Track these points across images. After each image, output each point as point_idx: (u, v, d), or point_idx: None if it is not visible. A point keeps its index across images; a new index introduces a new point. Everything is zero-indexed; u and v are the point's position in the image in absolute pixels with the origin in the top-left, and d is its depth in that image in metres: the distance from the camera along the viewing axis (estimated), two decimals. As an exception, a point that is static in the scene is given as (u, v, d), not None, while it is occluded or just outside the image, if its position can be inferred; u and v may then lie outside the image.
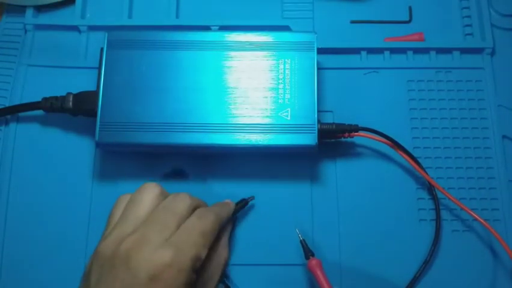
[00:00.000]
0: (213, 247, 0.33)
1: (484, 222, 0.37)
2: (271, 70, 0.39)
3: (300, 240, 0.37)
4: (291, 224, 0.39)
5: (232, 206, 0.37)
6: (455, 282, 0.39)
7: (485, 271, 0.39)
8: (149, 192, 0.32)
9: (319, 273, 0.36)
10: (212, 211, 0.32)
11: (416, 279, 0.38)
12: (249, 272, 0.39)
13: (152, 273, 0.27)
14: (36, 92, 0.41)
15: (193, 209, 0.32)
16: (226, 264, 0.34)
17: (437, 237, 0.39)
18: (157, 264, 0.27)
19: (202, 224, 0.31)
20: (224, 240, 0.35)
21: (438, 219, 0.39)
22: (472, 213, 0.37)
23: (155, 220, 0.30)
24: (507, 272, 0.39)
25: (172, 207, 0.31)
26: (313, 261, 0.36)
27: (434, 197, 0.40)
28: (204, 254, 0.30)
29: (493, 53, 0.44)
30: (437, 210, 0.39)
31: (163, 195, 0.32)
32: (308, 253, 0.37)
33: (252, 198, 0.39)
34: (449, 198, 0.38)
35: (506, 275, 0.39)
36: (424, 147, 0.42)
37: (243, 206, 0.39)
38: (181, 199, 0.32)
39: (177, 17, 0.45)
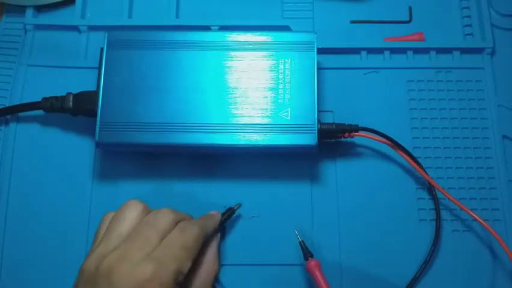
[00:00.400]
0: (199, 259, 0.33)
1: (484, 223, 0.37)
2: (271, 70, 0.39)
3: (299, 242, 0.37)
4: (291, 224, 0.39)
5: (218, 217, 0.36)
6: (455, 282, 0.39)
7: (484, 271, 0.39)
8: (132, 209, 0.32)
9: (318, 274, 0.36)
10: (195, 224, 0.32)
11: (416, 279, 0.38)
12: (249, 272, 0.39)
13: None
14: (36, 92, 0.41)
15: (176, 223, 0.32)
16: (216, 276, 0.34)
17: (437, 237, 0.39)
18: (138, 279, 0.28)
19: (184, 237, 0.31)
20: (212, 251, 0.34)
21: (438, 219, 0.39)
22: (471, 213, 0.37)
23: (137, 236, 0.30)
24: (507, 272, 0.39)
25: (154, 223, 0.31)
26: (312, 262, 0.36)
27: (434, 197, 0.40)
28: (186, 267, 0.30)
29: (493, 53, 0.44)
30: (437, 211, 0.39)
31: (146, 211, 0.32)
32: (307, 254, 0.37)
33: (239, 205, 0.39)
34: (449, 199, 0.38)
35: (506, 275, 0.39)
36: (424, 147, 0.42)
37: (230, 215, 0.38)
38: (163, 214, 0.32)
39: (177, 17, 0.45)
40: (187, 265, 0.30)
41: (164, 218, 0.31)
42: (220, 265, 0.37)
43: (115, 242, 0.30)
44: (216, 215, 0.37)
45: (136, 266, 0.28)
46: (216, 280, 0.36)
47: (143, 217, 0.32)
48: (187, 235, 0.31)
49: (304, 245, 0.37)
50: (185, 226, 0.32)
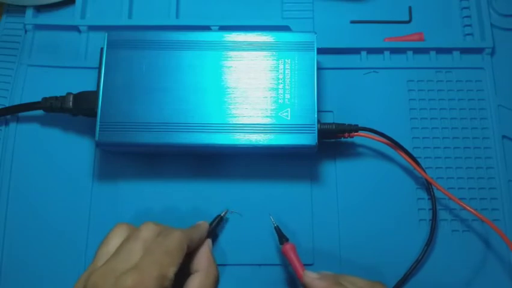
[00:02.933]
0: (193, 266, 0.33)
1: (487, 220, 0.37)
2: (271, 70, 0.39)
3: (274, 227, 0.38)
4: (291, 224, 0.39)
5: (205, 225, 0.37)
6: (455, 282, 0.39)
7: (485, 271, 0.39)
8: (118, 229, 0.33)
9: (292, 255, 0.36)
10: (177, 230, 0.32)
11: (406, 277, 0.38)
12: (249, 272, 0.39)
13: None
14: (36, 92, 0.41)
15: (159, 234, 0.32)
16: (218, 281, 0.34)
17: (431, 236, 0.39)
18: None
19: (165, 242, 0.31)
20: (206, 257, 0.34)
21: (434, 219, 0.39)
22: (473, 211, 0.37)
23: (121, 251, 0.31)
24: (507, 272, 0.39)
25: (137, 235, 0.31)
26: (287, 246, 0.37)
27: (432, 196, 0.40)
28: (170, 271, 0.30)
29: (493, 53, 0.44)
30: (434, 210, 0.39)
31: (132, 230, 0.33)
32: (282, 238, 0.37)
33: (226, 211, 0.39)
34: (450, 198, 0.38)
35: (506, 275, 0.39)
36: (424, 147, 0.42)
37: (218, 222, 0.39)
38: (146, 227, 0.32)
39: (177, 17, 0.45)
40: (172, 270, 0.30)
41: (147, 230, 0.32)
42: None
43: (101, 261, 0.31)
44: (203, 224, 0.37)
45: (119, 278, 0.29)
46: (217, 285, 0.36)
47: (129, 234, 0.33)
48: (168, 241, 0.31)
49: (280, 229, 0.38)
50: (167, 233, 0.32)
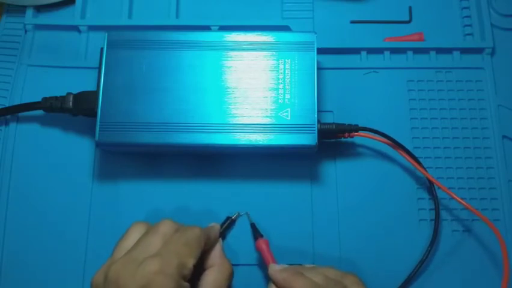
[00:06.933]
0: (208, 262, 0.34)
1: (487, 220, 0.37)
2: (271, 70, 0.39)
3: (250, 224, 0.39)
4: (291, 224, 0.39)
5: (217, 227, 0.37)
6: (456, 282, 0.39)
7: (485, 271, 0.39)
8: (136, 226, 0.34)
9: (264, 249, 0.37)
10: (196, 227, 0.33)
11: (410, 278, 0.38)
12: (249, 272, 0.39)
13: (142, 284, 0.29)
14: (36, 92, 0.41)
15: (177, 230, 0.33)
16: (232, 277, 0.35)
17: (435, 236, 0.39)
18: (144, 274, 0.29)
19: (185, 235, 0.32)
20: (219, 254, 0.35)
21: (437, 219, 0.39)
22: (475, 211, 0.37)
23: (141, 243, 0.32)
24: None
25: (156, 230, 0.33)
26: (260, 240, 0.38)
27: (434, 197, 0.40)
28: (190, 262, 0.31)
29: (493, 53, 0.44)
30: (436, 210, 0.39)
31: (149, 226, 0.34)
32: (257, 234, 0.38)
33: (238, 214, 0.40)
34: (452, 197, 0.38)
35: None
36: (424, 147, 0.42)
37: (229, 225, 0.39)
38: (164, 223, 0.33)
39: (177, 17, 0.45)
40: (191, 261, 0.31)
41: (166, 225, 0.33)
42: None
43: (121, 254, 0.32)
44: (215, 225, 0.37)
45: (141, 265, 0.29)
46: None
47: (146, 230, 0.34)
48: (188, 234, 0.32)
49: (255, 226, 0.39)
50: (186, 228, 0.33)
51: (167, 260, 0.30)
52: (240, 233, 0.40)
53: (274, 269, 0.35)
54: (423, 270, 0.39)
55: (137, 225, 0.34)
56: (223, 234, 0.39)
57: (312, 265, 0.37)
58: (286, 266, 0.35)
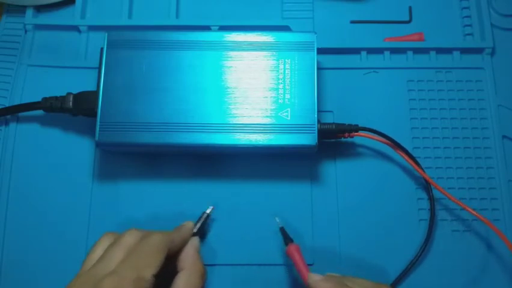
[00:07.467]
0: (178, 265, 0.34)
1: (486, 220, 0.37)
2: (271, 70, 0.39)
3: (280, 228, 0.38)
4: (291, 224, 0.39)
5: (190, 225, 0.37)
6: (455, 282, 0.39)
7: (485, 271, 0.39)
8: (104, 237, 0.34)
9: (297, 256, 0.36)
10: (157, 233, 0.33)
11: (402, 276, 0.38)
12: (249, 272, 0.39)
13: None
14: (36, 92, 0.41)
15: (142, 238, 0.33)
16: (205, 278, 0.34)
17: (429, 236, 0.39)
18: None
19: (144, 246, 0.32)
20: (190, 256, 0.34)
21: (432, 219, 0.39)
22: (472, 211, 0.37)
23: (104, 257, 0.32)
24: (507, 272, 0.39)
25: (119, 242, 0.32)
26: (291, 247, 0.36)
27: (430, 196, 0.40)
28: (148, 274, 0.31)
29: (493, 53, 0.44)
30: (432, 209, 0.39)
31: (116, 237, 0.34)
32: (287, 239, 0.37)
33: (212, 208, 0.39)
34: (449, 198, 0.38)
35: (506, 274, 0.39)
36: (424, 147, 0.42)
37: (205, 220, 0.38)
38: (128, 233, 0.33)
39: (177, 17, 0.45)
40: (149, 271, 0.31)
41: (129, 236, 0.33)
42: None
43: (88, 267, 0.32)
44: (187, 224, 0.37)
45: (98, 283, 0.30)
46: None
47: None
48: (146, 244, 0.32)
49: (285, 231, 0.37)
50: (146, 236, 0.33)
51: (123, 276, 0.30)
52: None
53: (316, 279, 0.34)
54: (422, 270, 0.39)
55: (105, 236, 0.34)
56: (201, 231, 0.38)
57: (342, 275, 0.36)
58: (326, 275, 0.35)
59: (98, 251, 0.33)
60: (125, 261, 0.31)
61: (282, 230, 0.38)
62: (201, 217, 0.38)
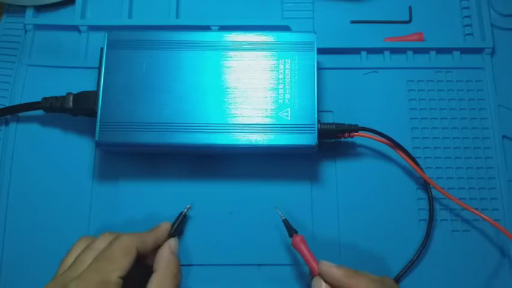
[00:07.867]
0: (153, 266, 0.34)
1: (486, 217, 0.37)
2: (271, 70, 0.39)
3: (283, 220, 0.37)
4: (291, 224, 0.39)
5: (165, 226, 0.37)
6: (455, 282, 0.39)
7: (485, 271, 0.39)
8: (79, 242, 0.34)
9: (303, 247, 0.36)
10: (126, 235, 0.33)
11: (401, 275, 0.38)
12: (249, 272, 0.39)
13: None
14: (36, 92, 0.41)
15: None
16: (180, 280, 0.34)
17: (427, 236, 0.39)
18: None
19: (111, 249, 0.32)
20: (164, 257, 0.34)
21: (431, 218, 0.39)
22: (472, 209, 0.37)
23: (75, 262, 0.32)
24: (507, 272, 0.39)
25: (91, 246, 0.33)
26: (297, 238, 0.36)
27: (429, 196, 0.40)
28: (114, 277, 0.31)
29: (493, 53, 0.44)
30: (431, 209, 0.39)
31: (90, 241, 0.34)
32: (291, 231, 0.37)
33: (189, 207, 0.39)
34: (448, 198, 0.38)
35: (506, 274, 0.39)
36: (424, 147, 0.42)
37: (182, 219, 0.38)
38: (101, 237, 0.34)
39: (177, 17, 0.45)
40: (114, 274, 0.31)
41: (101, 240, 0.33)
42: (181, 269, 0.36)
43: (62, 271, 0.32)
44: (163, 224, 0.37)
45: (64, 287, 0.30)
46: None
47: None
48: (113, 247, 0.32)
49: (288, 222, 0.37)
50: (115, 239, 0.33)
51: (87, 280, 0.30)
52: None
53: (328, 264, 0.34)
54: (422, 270, 0.39)
55: (80, 241, 0.34)
56: (179, 230, 0.38)
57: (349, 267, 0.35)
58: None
59: (72, 256, 0.33)
60: (91, 265, 0.31)
61: (285, 222, 0.37)
62: (178, 217, 0.38)
